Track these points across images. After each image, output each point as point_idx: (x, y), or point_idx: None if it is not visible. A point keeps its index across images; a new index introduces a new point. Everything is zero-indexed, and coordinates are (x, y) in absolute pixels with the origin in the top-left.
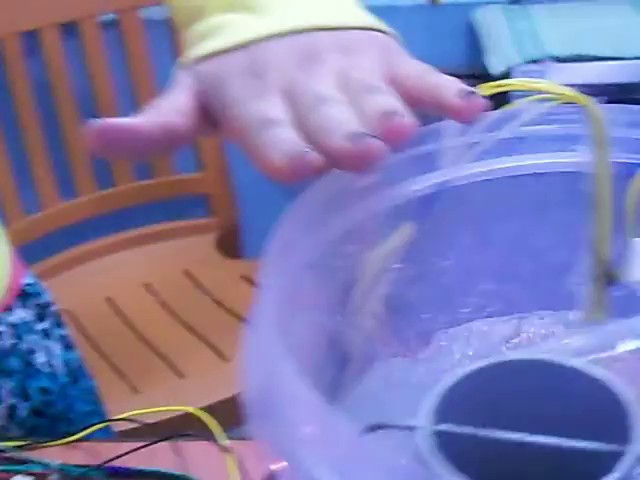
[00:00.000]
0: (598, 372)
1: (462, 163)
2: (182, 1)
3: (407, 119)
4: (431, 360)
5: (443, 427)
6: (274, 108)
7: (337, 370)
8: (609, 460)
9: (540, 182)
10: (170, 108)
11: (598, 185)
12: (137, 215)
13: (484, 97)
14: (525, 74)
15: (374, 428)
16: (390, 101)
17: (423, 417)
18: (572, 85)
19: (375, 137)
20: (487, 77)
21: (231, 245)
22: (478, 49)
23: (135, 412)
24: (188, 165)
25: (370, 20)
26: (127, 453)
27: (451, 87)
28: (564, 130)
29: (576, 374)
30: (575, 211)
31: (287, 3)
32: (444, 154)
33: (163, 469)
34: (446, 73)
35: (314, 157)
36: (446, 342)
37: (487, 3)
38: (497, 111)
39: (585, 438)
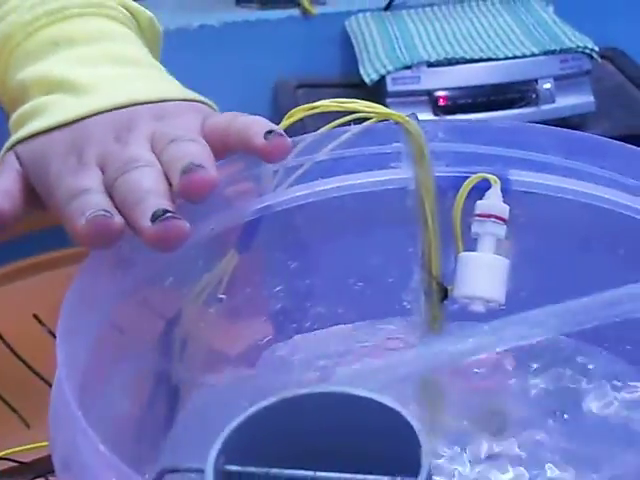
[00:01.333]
0: (391, 402)
1: (282, 187)
2: (6, 81)
3: (208, 173)
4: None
5: (231, 468)
6: (87, 179)
7: (171, 402)
8: None
9: (363, 201)
10: None
11: (422, 200)
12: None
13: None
14: (398, 80)
15: (164, 473)
16: (193, 150)
17: (211, 458)
18: (446, 89)
19: (176, 216)
20: (363, 86)
21: None
22: (354, 58)
23: (6, 451)
24: None
25: (189, 93)
26: None
27: (256, 129)
28: (383, 148)
29: (370, 405)
30: (402, 228)
31: (108, 82)
32: (263, 179)
33: None
34: (323, 84)
35: (116, 221)
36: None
37: (359, 11)
38: (313, 134)
39: (383, 468)
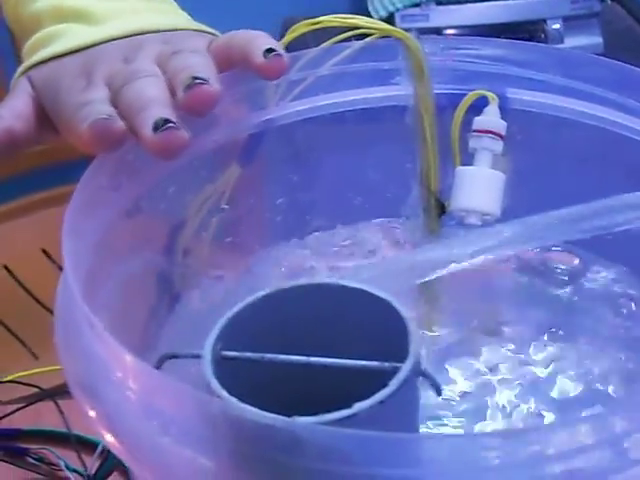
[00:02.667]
0: (382, 293)
1: (284, 102)
2: (18, 12)
3: (210, 86)
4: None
5: (228, 354)
6: (93, 93)
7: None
8: (390, 377)
9: (363, 117)
10: (10, 114)
11: (421, 117)
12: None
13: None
14: (407, 18)
15: (165, 359)
16: (195, 61)
17: (209, 344)
18: (455, 27)
19: (177, 126)
20: None
21: None
22: None
23: (18, 374)
24: None
25: (199, 25)
26: (10, 414)
27: (256, 45)
28: (384, 65)
29: (362, 296)
30: (401, 144)
31: (120, 13)
32: (265, 94)
33: (46, 428)
34: None
35: (117, 125)
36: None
37: None
38: (315, 49)
39: (374, 358)
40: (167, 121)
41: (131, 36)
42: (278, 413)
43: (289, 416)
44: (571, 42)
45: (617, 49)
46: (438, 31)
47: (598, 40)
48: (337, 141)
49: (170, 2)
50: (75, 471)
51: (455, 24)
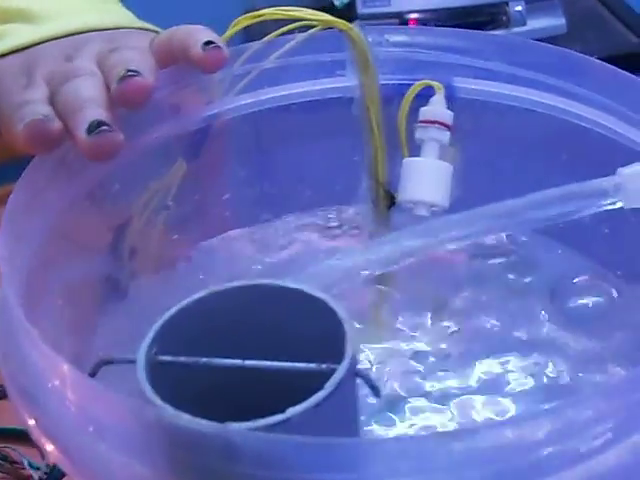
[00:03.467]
0: (318, 292)
1: (229, 96)
2: None
3: (143, 79)
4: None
5: (163, 358)
6: (32, 93)
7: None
8: (329, 379)
9: (309, 109)
10: None
11: (367, 108)
12: None
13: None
14: (368, 3)
15: (101, 364)
16: (131, 56)
17: (143, 349)
18: (417, 11)
19: (110, 129)
20: (333, 9)
21: None
22: None
23: None
24: None
25: (143, 24)
26: None
27: (195, 39)
28: (329, 56)
29: (299, 296)
30: (348, 136)
31: (64, 12)
32: (210, 88)
33: (8, 426)
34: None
35: (53, 126)
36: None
37: None
38: (259, 42)
39: (314, 359)
40: (100, 123)
41: (73, 35)
42: (217, 419)
43: (227, 421)
44: (534, 24)
45: (580, 29)
46: (400, 16)
47: (561, 21)
48: (284, 134)
49: (114, 1)
50: (38, 469)
51: (417, 8)
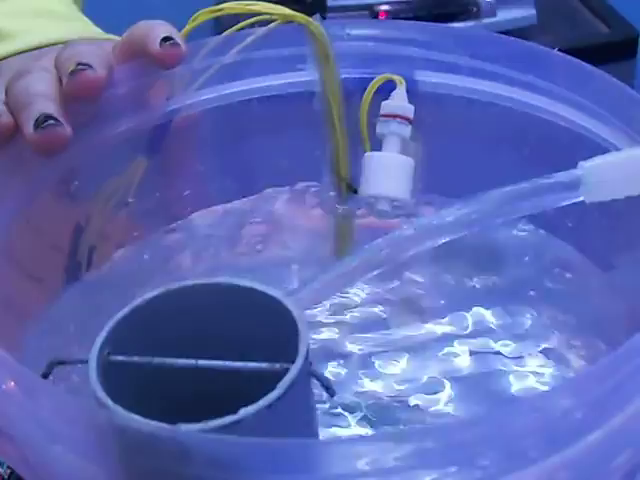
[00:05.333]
0: (273, 291)
1: (189, 91)
2: None
3: (94, 72)
4: None
5: (116, 358)
6: None
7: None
8: (281, 379)
9: (270, 104)
10: None
11: (329, 103)
12: None
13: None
14: None
15: (54, 364)
16: (84, 50)
17: (95, 349)
18: (387, 2)
19: (58, 123)
20: (303, 1)
21: None
22: None
23: None
24: None
25: (108, 36)
26: None
27: (154, 34)
28: (289, 51)
29: (254, 294)
30: (310, 130)
31: (30, 30)
32: (170, 83)
33: None
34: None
35: (3, 121)
36: None
37: None
38: (219, 36)
39: (269, 358)
40: (48, 117)
41: (38, 49)
42: (170, 420)
43: (181, 423)
44: (504, 15)
45: (551, 20)
46: (370, 8)
47: (531, 12)
48: (245, 129)
49: (85, 21)
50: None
51: (387, 0)
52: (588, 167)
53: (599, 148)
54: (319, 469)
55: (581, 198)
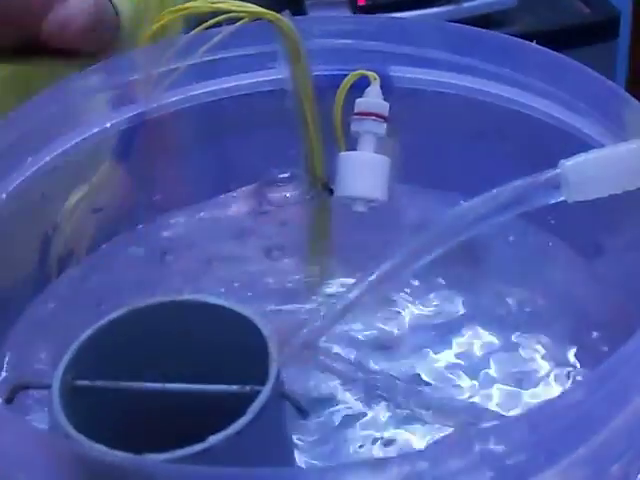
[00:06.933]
0: (243, 309)
1: (156, 93)
2: None
3: None
4: None
5: (80, 383)
6: None
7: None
8: (253, 401)
9: (240, 104)
10: None
11: (301, 101)
12: None
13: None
14: None
15: (17, 389)
16: None
17: (58, 374)
18: None
19: None
20: None
21: None
22: None
23: None
24: None
25: None
26: None
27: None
28: (258, 49)
29: (223, 312)
30: (283, 130)
31: None
32: (136, 86)
33: None
34: None
35: None
36: None
37: None
38: (185, 36)
39: (240, 380)
40: None
41: None
42: (137, 448)
43: (148, 450)
44: None
45: (531, 1)
46: None
47: None
48: (215, 131)
49: None
50: None
51: None
52: (569, 166)
53: (580, 142)
54: None
55: (562, 198)
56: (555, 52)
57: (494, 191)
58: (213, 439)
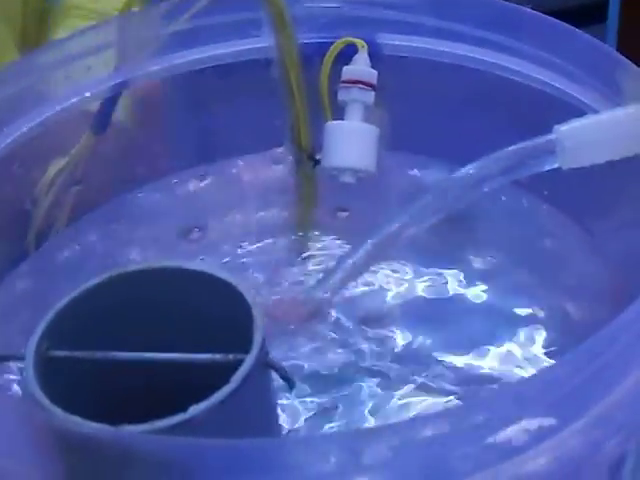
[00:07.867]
0: (226, 276)
1: (139, 61)
2: None
3: None
4: None
5: (55, 353)
6: None
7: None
8: (236, 370)
9: (225, 73)
10: None
11: (287, 70)
12: None
13: None
14: None
15: None
16: None
17: (32, 344)
18: None
19: None
20: None
21: None
22: None
23: None
24: None
25: None
26: None
27: None
28: (242, 16)
29: (205, 279)
30: (268, 99)
31: None
32: (118, 53)
33: None
34: None
35: None
36: None
37: None
38: (166, 3)
39: (223, 348)
40: None
41: None
42: (116, 419)
43: (127, 422)
44: None
45: None
46: None
47: None
48: (198, 101)
49: None
50: None
51: None
52: (564, 131)
53: (575, 110)
54: (275, 470)
55: (557, 165)
56: (551, 18)
57: (483, 158)
58: (194, 409)
